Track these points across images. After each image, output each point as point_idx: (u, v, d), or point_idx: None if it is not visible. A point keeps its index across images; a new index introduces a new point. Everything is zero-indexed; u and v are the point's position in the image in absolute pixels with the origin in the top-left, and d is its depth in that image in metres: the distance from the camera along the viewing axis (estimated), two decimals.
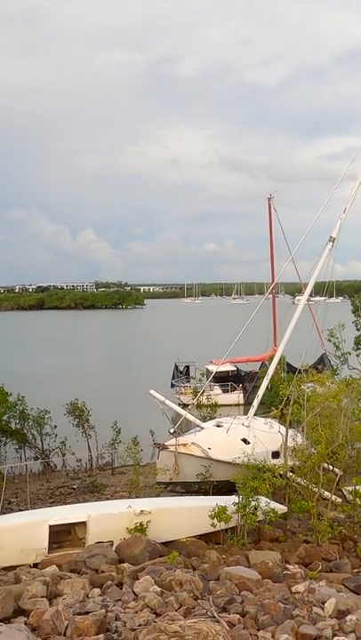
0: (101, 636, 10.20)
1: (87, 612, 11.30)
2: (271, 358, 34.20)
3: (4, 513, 21.98)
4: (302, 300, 31.12)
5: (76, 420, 33.19)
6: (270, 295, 51.95)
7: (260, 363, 48.75)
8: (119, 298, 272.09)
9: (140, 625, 10.76)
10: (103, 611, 11.30)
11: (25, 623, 10.93)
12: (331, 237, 29.70)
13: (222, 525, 17.99)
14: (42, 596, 12.50)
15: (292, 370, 36.88)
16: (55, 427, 33.26)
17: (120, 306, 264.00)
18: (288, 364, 42.34)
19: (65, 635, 10.46)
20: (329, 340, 30.38)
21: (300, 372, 26.91)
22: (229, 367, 51.92)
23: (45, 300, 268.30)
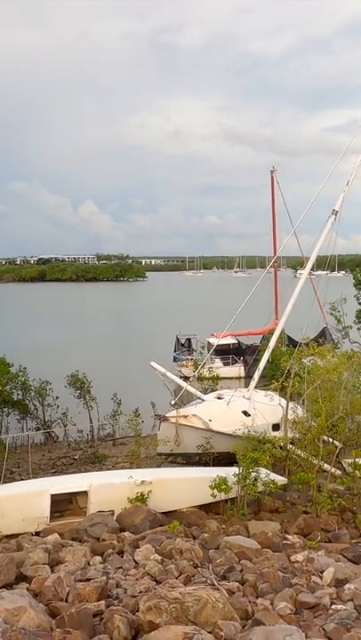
0: (102, 602, 10.32)
1: (88, 579, 11.43)
2: (272, 332, 34.26)
3: (7, 482, 22.20)
4: (304, 273, 31.13)
5: (78, 391, 33.34)
6: (272, 269, 51.94)
7: (261, 336, 48.77)
8: (120, 270, 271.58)
9: (140, 592, 10.90)
10: (104, 578, 11.43)
11: (27, 589, 11.06)
12: (334, 210, 29.64)
13: (222, 496, 18.15)
14: (44, 564, 12.64)
15: (293, 343, 36.97)
16: (57, 398, 33.44)
17: (121, 278, 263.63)
18: (289, 337, 42.39)
19: (67, 601, 10.58)
20: (330, 314, 30.40)
21: (300, 346, 26.96)
22: (230, 340, 52.06)
23: (47, 272, 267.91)
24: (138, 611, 9.76)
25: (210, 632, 8.99)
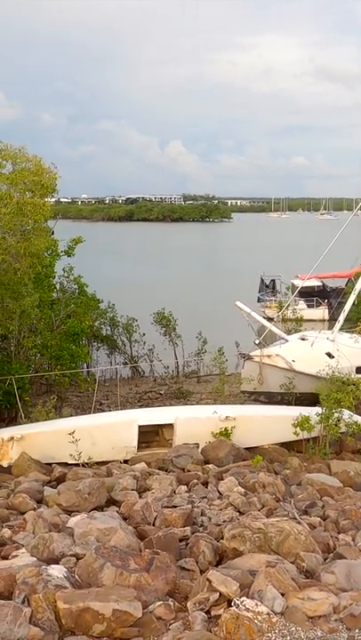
0: (188, 528, 10.77)
1: (174, 506, 11.92)
2: (358, 275, 33.71)
3: (96, 413, 23.06)
4: None
5: (163, 328, 33.84)
6: (360, 211, 50.63)
7: (347, 279, 48.09)
8: (206, 211, 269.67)
9: (224, 521, 11.31)
10: (189, 506, 11.89)
11: (117, 512, 11.65)
12: None
13: (305, 435, 18.31)
14: (132, 489, 13.26)
15: None
16: (143, 334, 34.06)
17: (207, 219, 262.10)
18: None
19: (154, 525, 11.08)
20: None
21: None
22: (315, 282, 51.36)
23: (134, 211, 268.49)
24: (222, 538, 10.14)
25: (292, 562, 9.27)
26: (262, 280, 54.62)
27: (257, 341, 27.13)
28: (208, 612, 7.83)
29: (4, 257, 18.25)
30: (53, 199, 23.75)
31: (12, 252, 18.42)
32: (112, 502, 12.75)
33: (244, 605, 7.51)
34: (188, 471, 15.57)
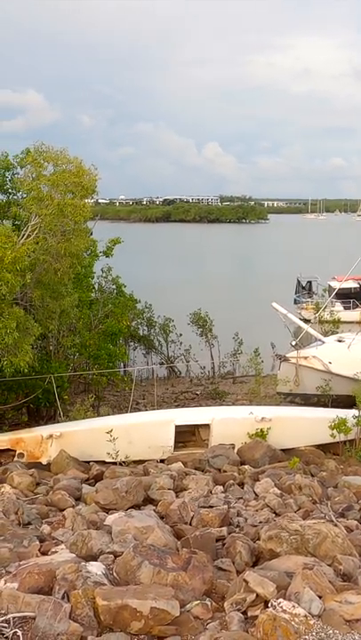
0: (225, 528, 10.82)
1: (211, 506, 11.98)
2: None
3: (133, 412, 23.22)
4: None
5: (200, 329, 33.96)
6: None
7: None
8: (243, 212, 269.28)
9: (260, 522, 11.33)
10: (226, 506, 11.93)
11: (154, 511, 11.73)
12: None
13: (342, 437, 18.23)
14: (169, 489, 13.35)
15: None
16: (180, 335, 34.20)
17: (244, 220, 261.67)
18: None
19: (190, 524, 11.13)
20: None
21: None
22: (352, 284, 50.96)
23: (171, 212, 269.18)
24: (258, 539, 10.14)
25: (329, 565, 9.24)
26: (299, 281, 54.34)
27: (293, 343, 27.02)
28: (245, 613, 7.85)
29: (45, 257, 18.49)
30: (92, 200, 23.93)
31: (52, 252, 18.66)
32: (149, 501, 12.86)
33: (281, 607, 7.51)
34: (225, 471, 15.63)
